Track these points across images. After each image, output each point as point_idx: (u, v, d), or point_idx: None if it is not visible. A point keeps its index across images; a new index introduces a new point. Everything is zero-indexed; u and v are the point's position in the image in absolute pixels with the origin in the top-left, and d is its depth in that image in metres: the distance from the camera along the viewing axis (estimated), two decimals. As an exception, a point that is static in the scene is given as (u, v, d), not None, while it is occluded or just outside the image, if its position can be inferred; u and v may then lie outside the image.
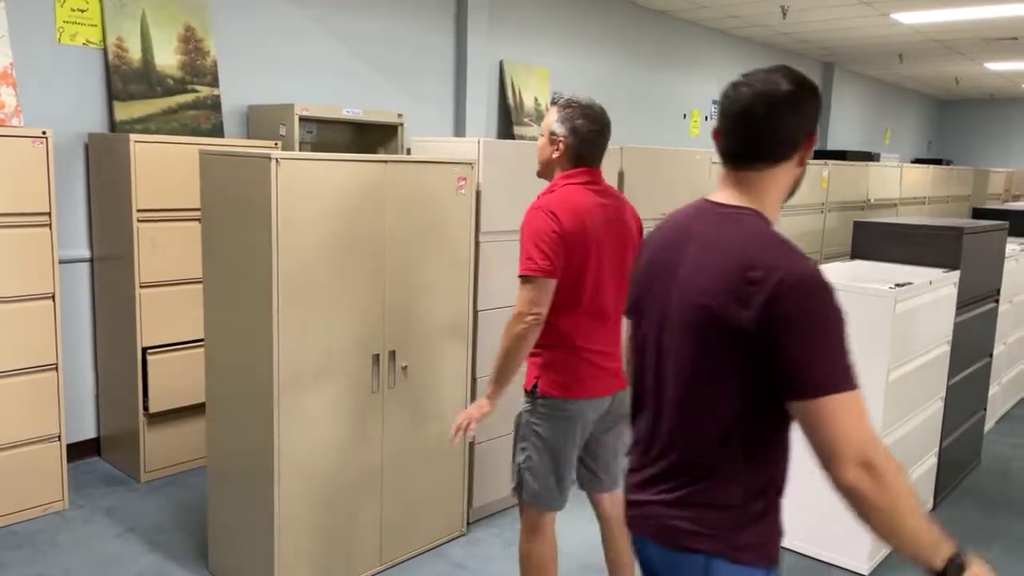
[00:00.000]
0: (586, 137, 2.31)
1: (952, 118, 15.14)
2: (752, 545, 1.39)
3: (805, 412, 1.28)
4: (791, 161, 1.43)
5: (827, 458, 1.29)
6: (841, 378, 1.26)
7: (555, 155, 2.36)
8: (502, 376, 2.31)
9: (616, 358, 2.39)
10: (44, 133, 3.21)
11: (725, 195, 1.47)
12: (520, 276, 2.25)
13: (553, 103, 2.41)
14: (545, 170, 2.42)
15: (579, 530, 3.36)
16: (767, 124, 1.39)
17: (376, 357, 2.85)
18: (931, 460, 3.63)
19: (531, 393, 2.38)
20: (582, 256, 2.27)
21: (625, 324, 1.67)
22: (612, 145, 3.91)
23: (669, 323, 1.43)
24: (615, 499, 2.57)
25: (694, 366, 1.38)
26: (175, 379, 3.74)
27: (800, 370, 1.27)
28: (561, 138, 2.33)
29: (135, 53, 3.93)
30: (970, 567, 1.27)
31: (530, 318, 2.22)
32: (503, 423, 3.46)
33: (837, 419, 1.26)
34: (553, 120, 2.36)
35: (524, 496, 2.42)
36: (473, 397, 3.30)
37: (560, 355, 2.33)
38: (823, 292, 1.28)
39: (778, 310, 1.27)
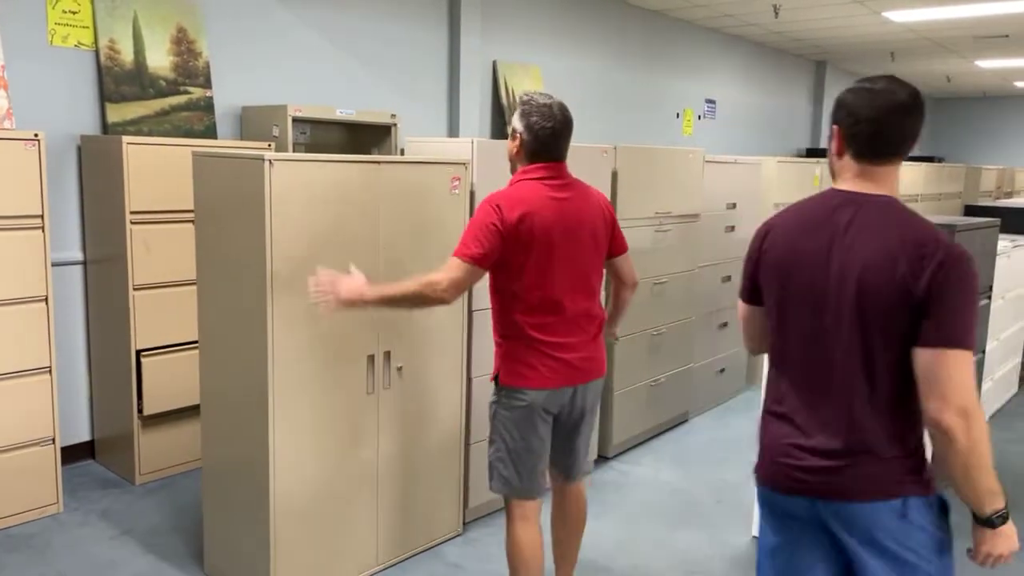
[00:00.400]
0: (538, 134, 2.39)
1: (944, 116, 15.20)
2: (927, 480, 1.66)
3: (932, 359, 1.54)
4: (903, 157, 1.73)
5: (937, 400, 1.53)
6: (968, 337, 1.54)
7: (514, 151, 2.47)
8: (383, 303, 2.36)
9: (576, 350, 2.44)
10: (36, 135, 3.20)
11: (859, 186, 1.70)
12: (453, 256, 2.33)
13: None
14: (511, 166, 2.51)
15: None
16: (908, 126, 1.66)
17: (371, 358, 2.85)
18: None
19: (495, 383, 2.48)
20: (524, 250, 2.34)
21: (743, 307, 1.90)
22: (606, 144, 3.93)
23: (834, 298, 1.65)
24: (576, 490, 2.66)
25: (867, 333, 1.62)
26: (169, 381, 3.73)
27: (943, 325, 1.54)
28: (518, 134, 2.43)
29: (127, 55, 3.92)
30: (1008, 523, 1.59)
31: (442, 292, 2.28)
32: (498, 423, 3.47)
33: (955, 370, 1.52)
34: (514, 118, 2.45)
35: (495, 486, 2.50)
36: (469, 397, 3.31)
37: (515, 346, 2.42)
38: (973, 266, 1.58)
39: (941, 278, 1.54)
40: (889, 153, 1.67)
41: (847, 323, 1.64)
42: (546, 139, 2.40)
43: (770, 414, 1.81)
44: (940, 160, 11.88)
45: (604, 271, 2.57)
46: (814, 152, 10.45)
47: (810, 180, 6.11)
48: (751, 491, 3.64)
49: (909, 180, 8.01)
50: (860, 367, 1.64)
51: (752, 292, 1.86)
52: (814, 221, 1.71)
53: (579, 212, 2.43)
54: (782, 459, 1.74)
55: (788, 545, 1.79)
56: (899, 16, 7.51)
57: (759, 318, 1.87)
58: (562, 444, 2.57)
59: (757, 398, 5.38)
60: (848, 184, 1.71)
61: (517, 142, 2.43)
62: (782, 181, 5.73)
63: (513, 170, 2.50)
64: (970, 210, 6.64)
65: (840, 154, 1.73)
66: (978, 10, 7.12)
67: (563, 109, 2.43)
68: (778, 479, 1.76)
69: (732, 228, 5.18)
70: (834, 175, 1.78)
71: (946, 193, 9.00)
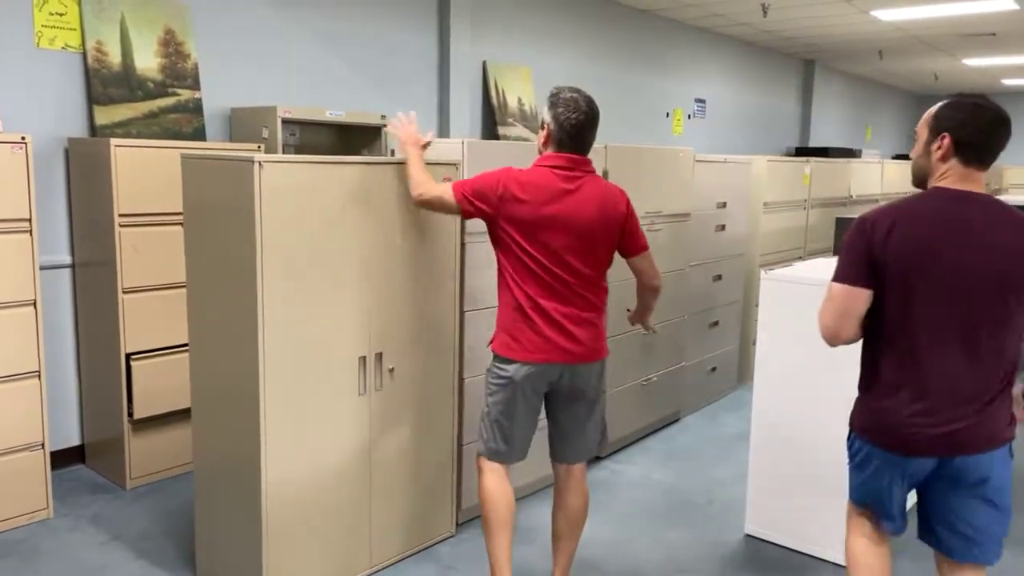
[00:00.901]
0: (563, 125, 2.51)
1: (932, 114, 15.27)
2: (1013, 426, 2.08)
3: None
4: None
5: None
6: None
7: (542, 142, 2.61)
8: (410, 169, 2.77)
9: (566, 330, 2.51)
10: (24, 139, 3.18)
11: (966, 186, 2.02)
12: (451, 183, 2.62)
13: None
14: (539, 155, 2.64)
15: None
16: (1005, 138, 2.02)
17: (363, 359, 2.84)
18: (915, 453, 3.67)
19: (493, 350, 2.63)
20: (528, 227, 2.48)
21: (847, 289, 2.06)
22: (596, 144, 3.92)
23: (966, 285, 1.96)
24: (572, 472, 2.72)
25: (999, 314, 1.97)
26: (160, 384, 3.71)
27: None
28: (546, 125, 2.57)
29: (115, 57, 3.90)
30: None
31: (416, 196, 2.70)
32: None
33: None
34: (544, 110, 2.59)
35: (478, 442, 2.68)
36: (461, 397, 3.31)
37: (509, 315, 2.56)
38: None
39: None
40: (990, 160, 2.03)
41: (990, 304, 1.96)
42: (570, 130, 2.51)
43: (885, 388, 2.08)
44: (928, 158, 11.93)
45: (605, 262, 2.62)
46: (803, 151, 10.49)
47: (800, 179, 6.13)
48: (743, 489, 3.65)
49: (898, 178, 8.05)
50: (995, 343, 1.98)
51: (868, 277, 2.03)
52: (943, 216, 1.99)
53: (582, 203, 2.51)
54: (911, 427, 2.03)
55: (886, 484, 2.14)
56: (887, 15, 7.55)
57: (864, 301, 2.06)
58: (554, 423, 2.69)
59: (748, 396, 5.39)
60: (954, 184, 2.02)
61: (545, 132, 2.57)
62: (772, 180, 5.76)
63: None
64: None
65: (945, 159, 2.03)
66: (965, 8, 7.17)
67: (590, 103, 2.55)
68: (908, 444, 2.05)
69: (723, 227, 5.19)
70: (928, 175, 2.08)
71: (935, 191, 9.03)
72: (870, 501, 2.23)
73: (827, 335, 2.15)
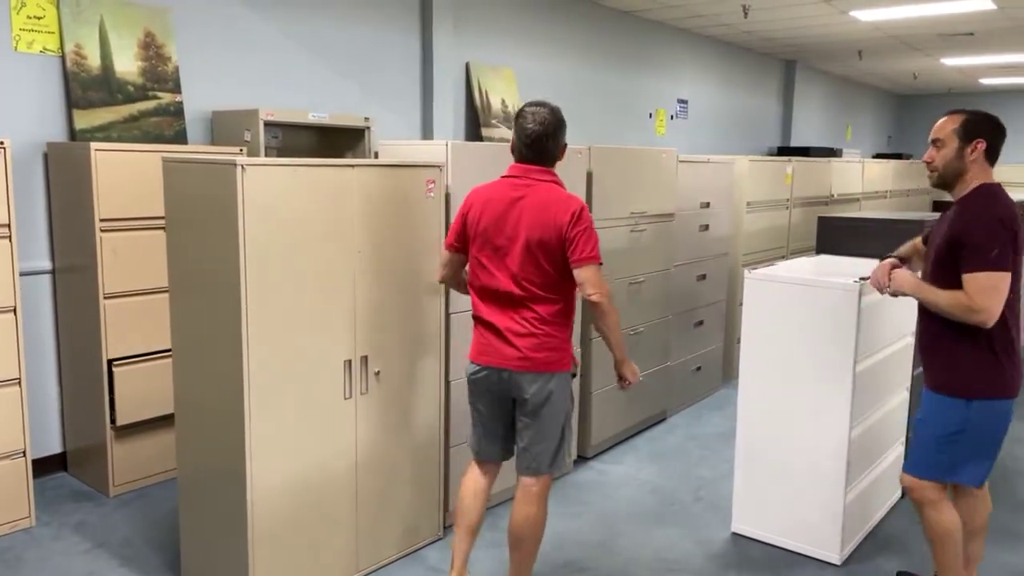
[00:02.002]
0: (519, 135, 2.64)
1: (911, 113, 15.44)
2: None
3: None
4: None
5: None
6: None
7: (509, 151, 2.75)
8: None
9: (508, 339, 2.59)
10: (2, 143, 3.14)
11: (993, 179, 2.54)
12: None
13: None
14: None
15: (551, 526, 3.38)
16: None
17: (348, 363, 2.83)
18: (898, 449, 3.70)
19: None
20: (471, 237, 2.66)
21: (1006, 276, 2.40)
22: (579, 145, 3.93)
23: None
24: (518, 483, 2.70)
25: None
26: (142, 390, 3.68)
27: None
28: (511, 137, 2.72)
29: (94, 60, 3.86)
30: None
31: (441, 279, 2.89)
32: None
33: None
34: None
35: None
36: (447, 400, 3.30)
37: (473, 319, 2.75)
38: None
39: None
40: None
41: None
42: (525, 139, 2.62)
43: (1013, 345, 2.53)
44: (908, 157, 12.05)
45: (550, 271, 2.56)
46: (785, 151, 10.56)
47: (782, 178, 6.17)
48: (729, 487, 3.66)
49: (878, 177, 8.12)
50: None
51: (1014, 262, 2.43)
52: None
53: (523, 211, 2.57)
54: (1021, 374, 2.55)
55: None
56: (865, 15, 7.62)
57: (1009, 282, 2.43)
58: (517, 429, 2.72)
59: (733, 395, 5.42)
60: (990, 178, 2.51)
61: (510, 144, 2.70)
62: (754, 180, 5.79)
63: None
64: (938, 206, 6.75)
65: (977, 160, 2.49)
66: (942, 8, 7.25)
67: (551, 113, 2.63)
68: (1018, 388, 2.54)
69: (706, 227, 5.22)
70: (962, 174, 2.51)
71: (914, 190, 9.14)
72: (992, 458, 2.59)
73: (989, 318, 2.41)
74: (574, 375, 2.73)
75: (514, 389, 2.62)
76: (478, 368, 2.67)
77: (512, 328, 2.58)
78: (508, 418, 2.71)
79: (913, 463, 2.64)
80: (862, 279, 2.99)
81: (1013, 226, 2.41)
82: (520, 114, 2.63)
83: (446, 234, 2.83)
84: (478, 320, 2.68)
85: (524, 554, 2.68)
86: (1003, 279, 2.39)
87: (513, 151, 2.67)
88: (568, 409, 2.69)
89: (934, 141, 2.55)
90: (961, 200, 2.54)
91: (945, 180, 2.54)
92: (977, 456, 2.58)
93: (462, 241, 2.70)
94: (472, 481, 2.78)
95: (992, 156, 2.50)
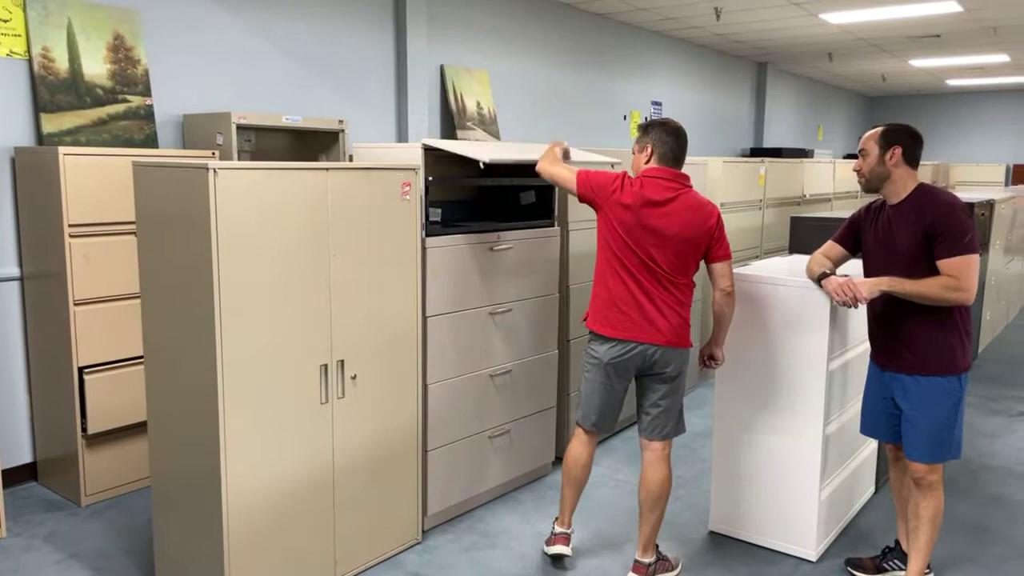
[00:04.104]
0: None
1: (880, 114, 15.68)
2: None
3: None
4: None
5: None
6: None
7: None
8: None
9: (640, 317, 2.93)
10: (-34, 148, 3.09)
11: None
12: None
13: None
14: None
15: (532, 527, 3.37)
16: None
17: (324, 367, 2.81)
18: (872, 444, 3.75)
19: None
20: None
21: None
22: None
23: None
24: (649, 454, 3.01)
25: None
26: (114, 398, 3.62)
27: None
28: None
29: (62, 63, 3.80)
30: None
31: (545, 170, 3.23)
32: (454, 429, 3.46)
33: None
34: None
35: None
36: (425, 403, 3.29)
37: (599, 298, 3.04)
38: None
39: None
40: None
41: None
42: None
43: (970, 320, 2.76)
44: (878, 157, 12.23)
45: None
46: (758, 151, 10.67)
47: (755, 179, 6.23)
48: (707, 486, 3.69)
49: (848, 177, 8.23)
50: None
51: None
52: None
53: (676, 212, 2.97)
54: None
55: None
56: (835, 18, 7.72)
57: None
58: (639, 399, 3.03)
59: (710, 394, 5.47)
60: (917, 180, 2.75)
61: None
62: (728, 181, 5.84)
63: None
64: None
65: (898, 164, 2.73)
66: (910, 11, 7.36)
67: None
68: None
69: (681, 228, 5.25)
70: (887, 177, 2.75)
71: (885, 189, 9.25)
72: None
73: (972, 296, 2.61)
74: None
75: (654, 361, 2.91)
76: (614, 342, 2.92)
77: (650, 304, 2.89)
78: (625, 392, 3.03)
79: (925, 452, 2.76)
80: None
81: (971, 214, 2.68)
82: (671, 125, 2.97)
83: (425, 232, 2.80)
84: (616, 301, 2.92)
85: (660, 512, 3.00)
86: (977, 260, 2.62)
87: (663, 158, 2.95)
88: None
89: (861, 152, 2.84)
90: (910, 199, 2.74)
91: (871, 184, 2.81)
92: (960, 427, 2.78)
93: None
94: (574, 451, 3.10)
95: (911, 160, 2.74)
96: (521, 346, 3.75)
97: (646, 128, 2.98)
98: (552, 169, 3.14)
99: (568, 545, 3.11)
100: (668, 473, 2.99)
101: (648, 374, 2.95)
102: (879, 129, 2.81)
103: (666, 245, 2.85)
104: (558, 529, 3.14)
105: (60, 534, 3.36)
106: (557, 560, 3.14)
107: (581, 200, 3.03)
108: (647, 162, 2.95)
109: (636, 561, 3.02)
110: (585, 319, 3.02)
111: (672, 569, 3.08)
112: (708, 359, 3.11)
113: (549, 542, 3.14)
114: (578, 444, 3.09)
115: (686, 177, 2.94)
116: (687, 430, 4.81)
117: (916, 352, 2.74)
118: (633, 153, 3.02)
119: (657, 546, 3.07)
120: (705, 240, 2.90)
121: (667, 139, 2.93)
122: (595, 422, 3.04)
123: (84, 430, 3.57)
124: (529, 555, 3.22)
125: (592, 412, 3.03)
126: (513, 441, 3.78)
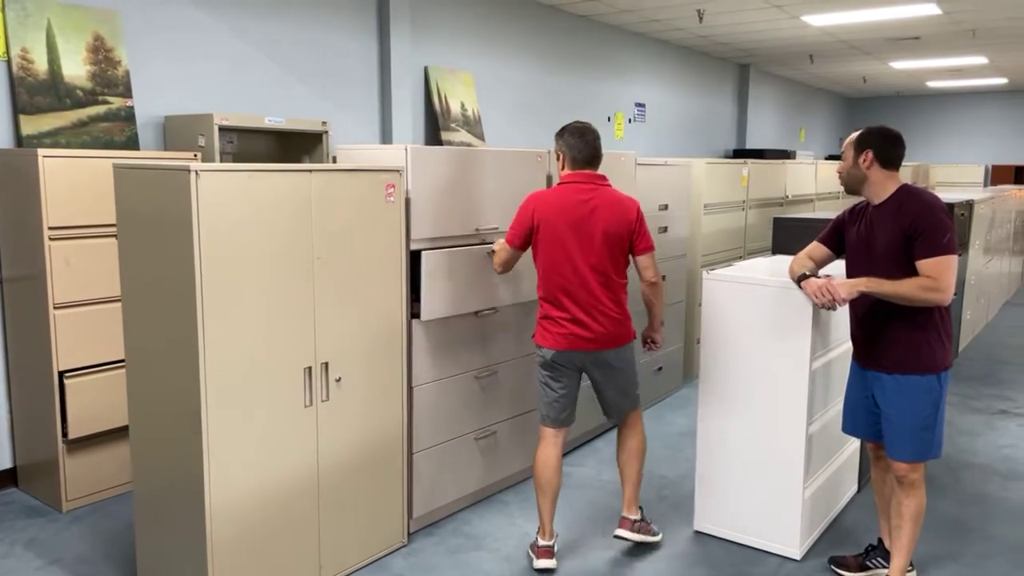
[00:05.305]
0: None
1: (862, 115, 15.81)
2: None
3: None
4: None
5: None
6: None
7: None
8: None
9: (582, 325, 3.08)
10: (-57, 150, 3.05)
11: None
12: None
13: None
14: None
15: (518, 528, 3.37)
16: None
17: (308, 370, 2.80)
18: (855, 443, 3.78)
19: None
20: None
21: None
22: (540, 149, 3.95)
23: None
24: (627, 420, 3.27)
25: None
26: (95, 402, 3.59)
27: None
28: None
29: (41, 64, 3.76)
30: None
31: (497, 264, 3.32)
32: (439, 431, 3.45)
33: None
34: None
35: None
36: (411, 406, 3.28)
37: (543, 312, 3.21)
38: None
39: None
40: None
41: None
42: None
43: (949, 320, 2.78)
44: (859, 158, 12.34)
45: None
46: (740, 153, 10.73)
47: (738, 180, 6.27)
48: (691, 486, 3.70)
49: (830, 178, 8.29)
50: None
51: None
52: None
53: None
54: None
55: None
56: (816, 20, 7.78)
57: None
58: (594, 389, 3.21)
59: (694, 395, 5.49)
60: (898, 181, 2.79)
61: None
62: (711, 182, 5.87)
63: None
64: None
65: (872, 167, 2.77)
66: (890, 13, 7.43)
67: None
68: None
69: (665, 229, 5.27)
70: (863, 179, 2.79)
71: (866, 190, 9.33)
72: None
73: (949, 296, 2.64)
74: None
75: (603, 361, 3.08)
76: (556, 352, 3.06)
77: (596, 312, 3.05)
78: (577, 387, 3.15)
79: (905, 451, 2.78)
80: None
81: (950, 214, 2.73)
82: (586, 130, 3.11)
83: (406, 236, 2.85)
84: (553, 313, 3.08)
85: (638, 469, 3.24)
86: (955, 261, 2.65)
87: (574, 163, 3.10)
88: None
89: (842, 155, 2.92)
90: (891, 199, 2.77)
91: (848, 186, 2.88)
92: (941, 426, 2.81)
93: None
94: (554, 458, 3.14)
95: (885, 162, 2.77)
96: (506, 348, 3.75)
97: (557, 135, 3.13)
98: (498, 259, 3.25)
99: (553, 558, 3.12)
100: (642, 437, 3.24)
101: (594, 368, 3.12)
102: (856, 133, 2.87)
103: (592, 246, 2.99)
104: (541, 542, 3.14)
105: (41, 540, 3.32)
106: (543, 572, 3.11)
107: (525, 247, 3.14)
108: (563, 169, 3.12)
109: (623, 517, 3.25)
110: (533, 336, 3.18)
111: (654, 535, 3.29)
112: (650, 343, 3.32)
113: (535, 553, 3.14)
114: (544, 445, 3.16)
115: (601, 177, 3.10)
116: (672, 431, 4.85)
117: (895, 351, 2.77)
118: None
119: (641, 508, 3.30)
120: (627, 235, 3.07)
121: (573, 142, 3.08)
122: (553, 416, 3.14)
123: (65, 435, 3.53)
124: (514, 556, 3.22)
125: (546, 408, 3.15)
126: (498, 442, 3.78)
